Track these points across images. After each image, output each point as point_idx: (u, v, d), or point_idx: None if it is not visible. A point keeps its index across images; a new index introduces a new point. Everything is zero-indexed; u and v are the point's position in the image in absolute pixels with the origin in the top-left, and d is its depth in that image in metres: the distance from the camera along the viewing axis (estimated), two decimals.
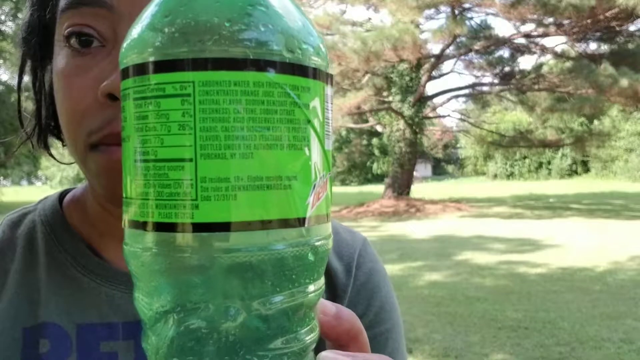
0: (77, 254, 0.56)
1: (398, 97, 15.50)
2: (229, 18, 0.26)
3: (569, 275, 6.08)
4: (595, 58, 14.52)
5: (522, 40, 15.83)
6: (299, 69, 0.27)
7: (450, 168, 46.20)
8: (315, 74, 0.28)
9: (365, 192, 22.35)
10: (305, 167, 0.27)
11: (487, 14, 15.62)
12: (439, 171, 46.71)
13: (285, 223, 0.27)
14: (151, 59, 0.26)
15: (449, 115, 22.19)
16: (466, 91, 17.84)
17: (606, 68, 13.12)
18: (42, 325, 0.53)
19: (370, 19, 17.39)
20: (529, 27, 15.40)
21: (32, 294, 0.54)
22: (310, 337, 0.29)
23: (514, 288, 5.57)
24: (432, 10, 15.29)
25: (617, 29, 14.53)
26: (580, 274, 6.12)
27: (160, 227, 0.26)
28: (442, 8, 15.09)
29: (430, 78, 16.38)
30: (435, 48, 16.19)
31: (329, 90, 0.30)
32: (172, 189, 0.26)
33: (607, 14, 13.48)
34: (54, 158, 0.66)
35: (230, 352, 0.26)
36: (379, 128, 19.84)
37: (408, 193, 15.86)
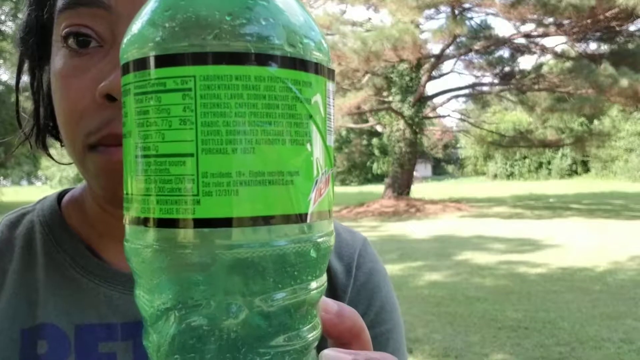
0: (75, 255, 0.55)
1: (398, 97, 15.50)
2: (229, 12, 0.26)
3: (569, 275, 6.08)
4: (595, 58, 14.53)
5: (522, 40, 15.83)
6: (301, 64, 0.27)
7: (450, 168, 46.21)
8: (317, 69, 0.28)
9: (365, 192, 22.35)
10: (307, 163, 0.27)
11: (487, 14, 15.62)
12: (439, 171, 46.72)
13: (287, 219, 0.26)
14: (152, 53, 0.26)
15: (449, 115, 22.22)
16: (466, 91, 17.85)
17: (606, 68, 13.12)
18: (41, 326, 0.52)
19: (370, 19, 17.41)
20: (529, 27, 15.42)
21: (31, 294, 0.54)
22: (312, 335, 0.29)
23: (514, 288, 5.57)
24: (432, 10, 15.30)
25: (617, 29, 14.53)
26: (580, 274, 6.12)
27: (161, 223, 0.26)
28: (442, 8, 15.10)
29: (430, 78, 16.38)
30: (435, 48, 16.22)
31: (330, 85, 0.30)
32: (174, 184, 0.26)
33: (607, 14, 13.48)
34: (53, 158, 0.66)
35: (232, 349, 0.26)
36: (379, 128, 19.84)
37: (408, 193, 15.86)
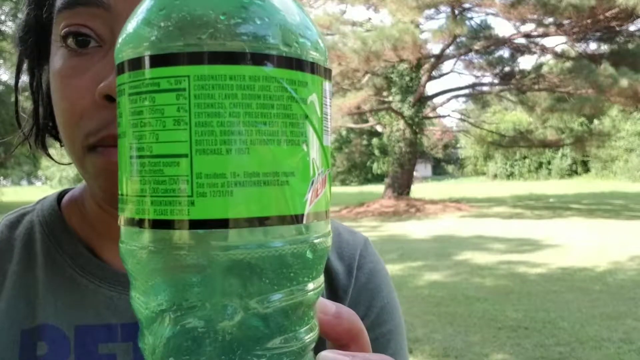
0: (75, 255, 0.55)
1: (398, 97, 15.50)
2: (224, 11, 0.25)
3: (569, 275, 6.08)
4: (595, 58, 14.53)
5: (522, 40, 15.83)
6: (297, 63, 0.27)
7: (450, 168, 46.21)
8: (313, 68, 0.28)
9: (365, 192, 22.35)
10: (303, 163, 0.27)
11: (487, 14, 15.62)
12: (439, 171, 46.72)
13: (282, 220, 0.26)
14: (146, 53, 0.26)
15: (449, 115, 22.21)
16: (466, 91, 17.85)
17: (606, 68, 13.12)
18: (40, 327, 0.52)
19: (370, 19, 17.41)
20: (529, 27, 15.42)
21: (30, 295, 0.54)
22: (309, 336, 0.29)
23: (514, 288, 5.57)
24: (432, 10, 15.30)
25: (617, 29, 14.53)
26: (580, 274, 6.12)
27: (156, 224, 0.26)
28: (442, 8, 15.10)
29: (430, 78, 16.38)
30: (435, 48, 16.22)
31: (327, 85, 0.29)
32: (168, 185, 0.25)
33: (607, 14, 13.48)
34: (52, 158, 0.66)
35: (227, 351, 0.26)
36: (379, 128, 19.85)
37: (408, 193, 15.86)
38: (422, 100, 15.80)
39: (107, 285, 0.54)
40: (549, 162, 34.35)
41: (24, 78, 0.60)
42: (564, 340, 3.97)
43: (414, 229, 10.36)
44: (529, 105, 16.40)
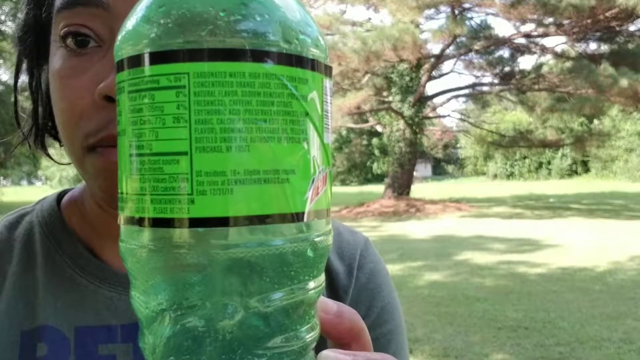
0: (75, 256, 0.55)
1: (398, 97, 15.50)
2: (224, 8, 0.25)
3: (569, 275, 6.08)
4: (595, 58, 14.53)
5: (522, 40, 15.83)
6: (297, 60, 0.27)
7: (450, 168, 46.20)
8: (314, 65, 0.28)
9: (365, 192, 22.35)
10: (303, 161, 0.27)
11: (487, 14, 15.62)
12: (439, 171, 46.72)
13: (283, 218, 0.26)
14: (146, 50, 0.26)
15: (449, 115, 22.22)
16: (466, 91, 17.85)
17: (606, 68, 13.12)
18: (40, 328, 0.52)
19: (370, 19, 17.42)
20: (529, 27, 15.42)
21: (30, 295, 0.53)
22: (310, 336, 0.28)
23: (514, 288, 5.56)
24: (432, 10, 15.30)
25: (617, 29, 14.53)
26: (580, 274, 6.12)
27: (156, 222, 0.26)
28: (442, 8, 15.10)
29: (430, 78, 16.38)
30: (435, 48, 16.22)
31: (327, 82, 0.29)
32: (168, 183, 0.25)
33: (607, 14, 13.48)
34: (52, 158, 0.65)
35: (228, 350, 0.26)
36: (379, 128, 19.85)
37: (408, 193, 15.86)
38: (422, 100, 15.80)
39: (107, 286, 0.54)
40: (549, 162, 34.35)
41: (24, 78, 0.60)
42: (564, 340, 3.97)
43: (414, 229, 10.36)
44: (529, 105, 16.40)
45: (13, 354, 0.51)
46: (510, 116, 30.03)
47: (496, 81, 16.64)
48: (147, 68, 0.26)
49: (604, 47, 15.67)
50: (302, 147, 0.27)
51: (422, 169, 42.34)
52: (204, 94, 0.25)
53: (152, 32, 0.26)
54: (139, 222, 0.26)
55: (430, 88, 59.04)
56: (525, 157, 33.39)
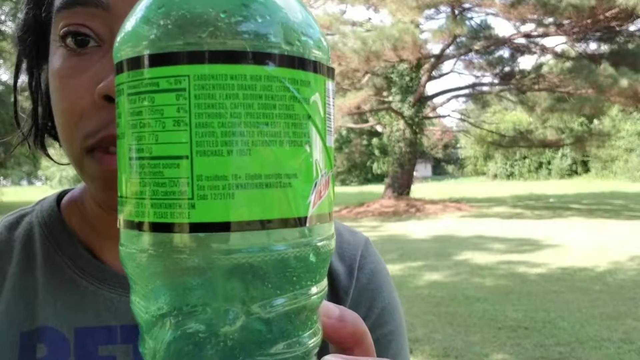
0: (75, 256, 0.55)
1: (398, 97, 15.50)
2: (225, 9, 0.25)
3: (569, 275, 6.08)
4: (595, 58, 14.53)
5: (522, 40, 15.84)
6: (299, 62, 0.26)
7: (450, 168, 46.20)
8: (316, 67, 0.27)
9: (365, 192, 22.35)
10: (306, 165, 0.27)
11: (487, 14, 15.63)
12: (439, 171, 46.72)
13: (285, 223, 0.26)
14: (145, 52, 0.25)
15: (449, 115, 22.22)
16: (466, 91, 17.85)
17: (606, 68, 13.12)
18: (40, 329, 0.52)
19: (370, 19, 17.42)
20: (529, 27, 15.42)
21: (30, 296, 0.53)
22: (313, 341, 0.28)
23: (514, 288, 5.56)
24: (432, 10, 15.30)
25: (617, 29, 14.53)
26: (580, 274, 6.12)
27: (156, 227, 0.25)
28: (442, 8, 15.10)
29: (430, 78, 16.38)
30: (435, 48, 16.22)
31: (330, 84, 0.29)
32: (168, 187, 0.25)
33: (607, 14, 13.48)
34: (51, 159, 0.65)
35: (229, 356, 0.26)
36: (379, 128, 19.85)
37: (408, 193, 15.86)
38: (422, 100, 15.80)
39: (107, 287, 0.54)
40: (549, 162, 34.35)
41: (24, 78, 0.59)
42: (564, 340, 3.97)
43: (414, 229, 10.36)
44: (529, 105, 16.40)
45: (13, 355, 0.51)
46: (510, 116, 30.03)
47: (496, 81, 16.65)
48: (147, 70, 0.25)
49: (604, 47, 15.68)
50: (304, 151, 0.26)
51: (422, 169, 42.35)
52: (205, 96, 0.24)
53: (152, 33, 0.25)
54: (139, 226, 0.26)
55: (430, 88, 59.10)
56: (525, 157, 33.39)
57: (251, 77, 0.25)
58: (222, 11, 0.25)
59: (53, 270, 0.54)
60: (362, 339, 0.31)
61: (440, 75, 18.29)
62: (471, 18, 16.30)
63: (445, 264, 6.91)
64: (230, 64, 0.25)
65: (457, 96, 19.21)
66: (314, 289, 0.28)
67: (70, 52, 0.47)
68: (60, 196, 0.61)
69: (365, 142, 36.44)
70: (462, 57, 16.50)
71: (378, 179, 34.21)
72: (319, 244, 0.28)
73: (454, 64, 17.37)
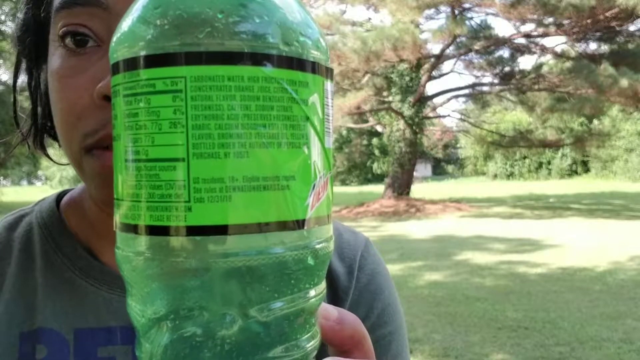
0: (74, 257, 0.55)
1: (398, 97, 15.50)
2: (222, 9, 0.25)
3: (569, 275, 6.08)
4: (595, 58, 14.52)
5: (522, 40, 15.83)
6: (297, 63, 0.26)
7: (450, 168, 46.19)
8: (314, 68, 0.27)
9: (365, 192, 22.35)
10: (304, 167, 0.26)
11: (487, 14, 15.62)
12: (439, 171, 46.71)
13: (283, 225, 0.25)
14: (141, 53, 0.25)
15: (449, 115, 22.16)
16: (466, 91, 17.85)
17: (606, 68, 13.12)
18: (39, 330, 0.52)
19: (370, 19, 17.42)
20: (529, 27, 15.42)
21: (29, 297, 0.53)
22: (311, 344, 0.28)
23: (514, 288, 5.56)
24: (432, 10, 15.30)
25: (617, 29, 14.53)
26: (580, 274, 6.12)
27: (152, 230, 0.25)
28: (442, 8, 15.10)
29: (430, 78, 16.38)
30: (435, 48, 16.22)
31: (329, 85, 0.28)
32: (164, 190, 0.25)
33: (607, 14, 13.48)
34: (51, 159, 0.65)
35: None
36: (379, 128, 19.85)
37: (408, 193, 15.86)
38: (422, 100, 15.80)
39: (107, 287, 0.53)
40: (549, 162, 34.34)
41: (23, 78, 0.59)
42: (564, 340, 3.97)
43: (414, 229, 10.36)
44: (529, 105, 16.40)
45: (12, 356, 0.51)
46: (510, 116, 30.02)
47: (496, 81, 16.64)
48: (143, 71, 0.25)
49: (604, 47, 15.67)
50: (302, 152, 0.26)
51: (422, 169, 42.34)
52: (202, 98, 0.24)
53: (148, 34, 0.25)
54: (135, 229, 0.26)
55: (430, 88, 59.10)
56: (525, 157, 33.37)
57: (249, 78, 0.25)
58: (220, 11, 0.24)
59: (52, 270, 0.54)
60: (361, 341, 0.31)
61: (440, 75, 18.29)
62: (471, 18, 16.29)
63: (445, 264, 6.91)
64: (227, 65, 0.24)
65: (457, 96, 19.19)
66: (312, 292, 0.28)
67: (69, 52, 0.47)
68: (60, 196, 0.61)
69: (365, 142, 36.43)
70: (462, 57, 16.50)
71: (378, 179, 34.20)
72: (317, 246, 0.27)
73: (454, 64, 17.37)
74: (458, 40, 15.65)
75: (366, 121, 20.86)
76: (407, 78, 15.43)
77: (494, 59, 16.50)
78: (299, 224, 0.26)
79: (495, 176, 36.55)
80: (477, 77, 17.42)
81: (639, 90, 12.93)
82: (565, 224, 10.77)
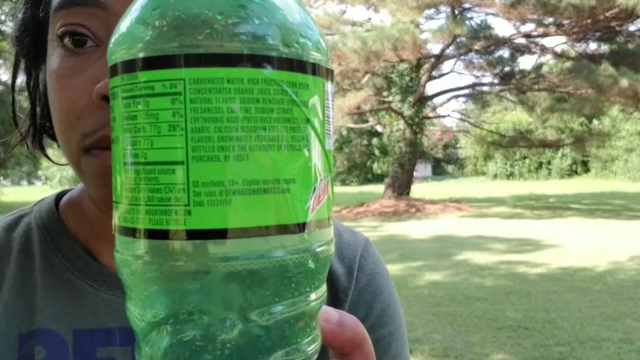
0: (73, 258, 0.55)
1: (398, 97, 15.50)
2: (221, 11, 0.24)
3: (569, 275, 6.08)
4: (595, 58, 14.52)
5: (522, 40, 15.83)
6: (297, 65, 0.26)
7: (450, 168, 46.19)
8: (315, 69, 0.27)
9: (365, 192, 22.35)
10: (304, 169, 0.26)
11: (487, 14, 15.62)
12: (439, 171, 46.71)
13: (284, 229, 0.25)
14: (140, 55, 0.25)
15: (449, 115, 22.17)
16: (466, 91, 17.84)
17: (606, 68, 13.12)
18: (38, 331, 0.52)
19: (370, 19, 17.42)
20: (529, 27, 15.42)
21: (28, 298, 0.53)
22: (312, 348, 0.28)
23: (514, 288, 5.56)
24: (432, 10, 15.30)
25: (617, 29, 14.53)
26: (580, 274, 6.12)
27: (151, 234, 0.25)
28: (442, 8, 15.10)
29: (430, 78, 16.38)
30: (435, 48, 16.21)
31: (329, 86, 0.28)
32: (163, 193, 0.24)
33: (607, 14, 13.48)
34: (50, 159, 0.65)
35: None
36: (379, 128, 19.86)
37: (408, 193, 15.86)
38: (422, 100, 15.80)
39: (106, 288, 0.53)
40: (549, 162, 34.34)
41: (22, 78, 0.59)
42: (564, 340, 3.97)
43: (414, 229, 10.36)
44: (529, 105, 16.40)
45: (11, 357, 0.51)
46: (510, 116, 30.01)
47: (496, 81, 16.64)
48: (141, 73, 0.25)
49: (604, 47, 15.67)
50: (302, 155, 0.26)
51: (422, 169, 42.33)
52: (201, 100, 0.24)
53: (147, 35, 0.25)
54: (133, 232, 0.26)
55: (430, 88, 59.11)
56: (525, 157, 33.37)
57: (248, 80, 0.24)
58: (219, 13, 0.24)
59: (51, 271, 0.54)
60: (362, 344, 0.31)
61: (440, 75, 18.29)
62: (471, 18, 16.29)
63: (445, 264, 6.91)
64: (226, 67, 0.24)
65: (457, 96, 19.19)
66: (313, 295, 0.27)
67: (68, 52, 0.47)
68: (59, 197, 0.61)
69: (365, 142, 36.43)
70: (462, 57, 16.49)
71: (378, 179, 34.19)
72: (318, 249, 0.27)
73: (454, 64, 17.37)
74: (458, 40, 15.65)
75: (366, 121, 20.86)
76: (407, 78, 15.43)
77: (494, 59, 16.49)
78: (300, 227, 0.26)
79: (495, 176, 36.55)
80: (477, 77, 17.43)
81: (639, 90, 12.93)
82: (565, 224, 10.77)
